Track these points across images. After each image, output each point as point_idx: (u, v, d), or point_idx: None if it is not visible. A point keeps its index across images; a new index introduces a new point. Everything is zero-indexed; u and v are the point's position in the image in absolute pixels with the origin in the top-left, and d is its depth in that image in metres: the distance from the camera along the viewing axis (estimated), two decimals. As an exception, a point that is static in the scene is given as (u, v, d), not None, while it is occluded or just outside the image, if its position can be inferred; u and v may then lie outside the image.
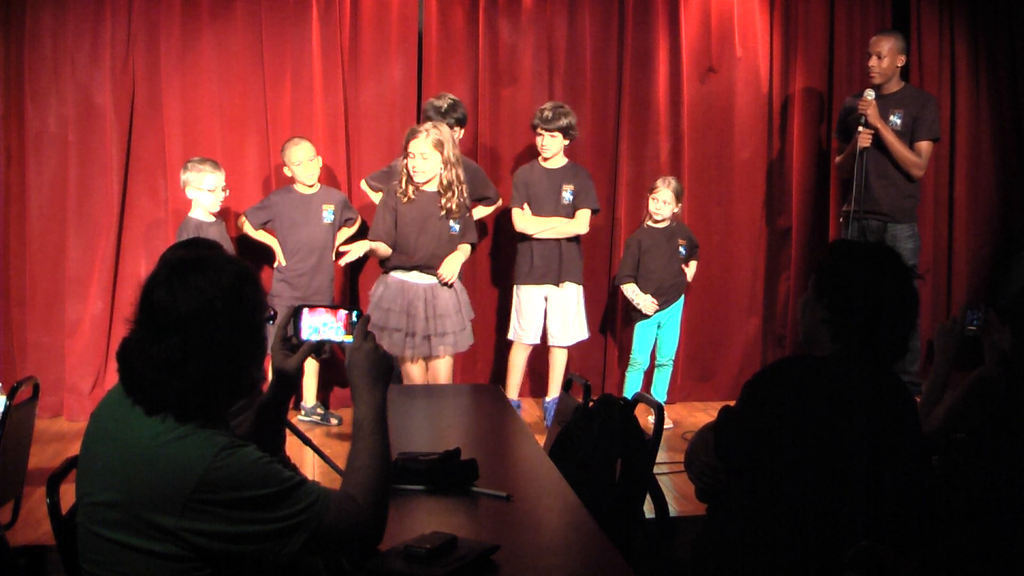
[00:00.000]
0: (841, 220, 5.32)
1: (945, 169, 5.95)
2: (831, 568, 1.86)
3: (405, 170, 4.45)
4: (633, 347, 5.30)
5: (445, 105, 4.95)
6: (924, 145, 5.14)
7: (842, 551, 1.70)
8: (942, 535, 2.31)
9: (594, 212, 5.21)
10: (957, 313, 3.00)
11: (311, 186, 5.13)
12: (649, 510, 2.86)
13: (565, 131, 5.07)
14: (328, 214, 5.17)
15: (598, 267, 5.82)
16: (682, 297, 5.34)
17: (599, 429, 2.75)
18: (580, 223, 5.15)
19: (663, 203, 5.17)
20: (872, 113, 4.98)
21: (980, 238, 6.00)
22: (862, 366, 2.13)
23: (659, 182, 5.25)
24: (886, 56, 5.10)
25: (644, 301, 5.18)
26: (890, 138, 5.04)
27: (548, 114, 5.05)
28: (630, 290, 5.21)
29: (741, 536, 2.12)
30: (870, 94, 5.01)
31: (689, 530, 2.42)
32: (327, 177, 5.44)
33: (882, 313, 2.11)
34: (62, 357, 5.30)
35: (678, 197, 5.22)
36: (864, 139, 4.98)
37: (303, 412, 5.22)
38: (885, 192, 5.12)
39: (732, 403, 2.20)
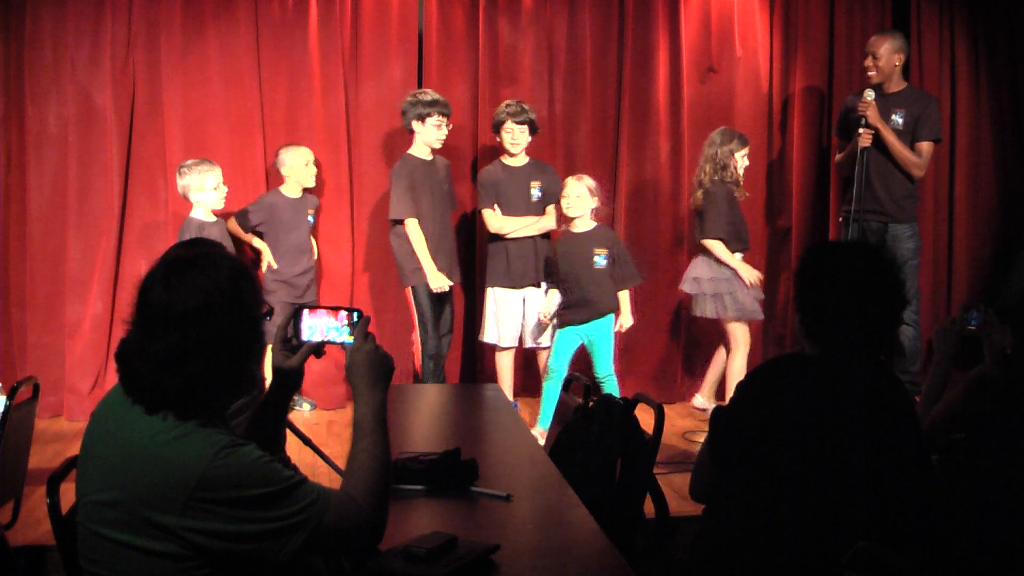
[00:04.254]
0: (841, 220, 5.32)
1: (945, 169, 5.95)
2: (831, 568, 1.86)
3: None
4: (551, 355, 4.96)
5: (438, 98, 5.00)
6: (925, 146, 5.14)
7: (842, 551, 1.70)
8: (942, 535, 2.31)
9: None
10: (956, 313, 3.00)
11: (307, 189, 5.23)
12: (649, 510, 2.86)
13: (532, 125, 5.10)
14: (311, 218, 5.31)
15: (598, 267, 5.81)
16: (611, 315, 4.86)
17: (599, 429, 2.75)
18: (552, 219, 5.14)
19: (574, 198, 4.75)
20: (872, 114, 4.98)
21: (980, 238, 6.00)
22: (851, 361, 2.14)
23: (568, 179, 4.89)
24: (882, 56, 5.10)
25: (546, 308, 4.95)
26: (890, 138, 5.04)
27: (515, 107, 5.06)
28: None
29: (740, 536, 2.12)
30: (870, 94, 5.01)
31: (689, 530, 2.42)
32: (330, 178, 5.48)
33: (854, 306, 2.12)
34: (62, 357, 5.30)
35: (591, 195, 4.77)
36: (864, 139, 4.98)
37: None
38: (886, 192, 5.12)
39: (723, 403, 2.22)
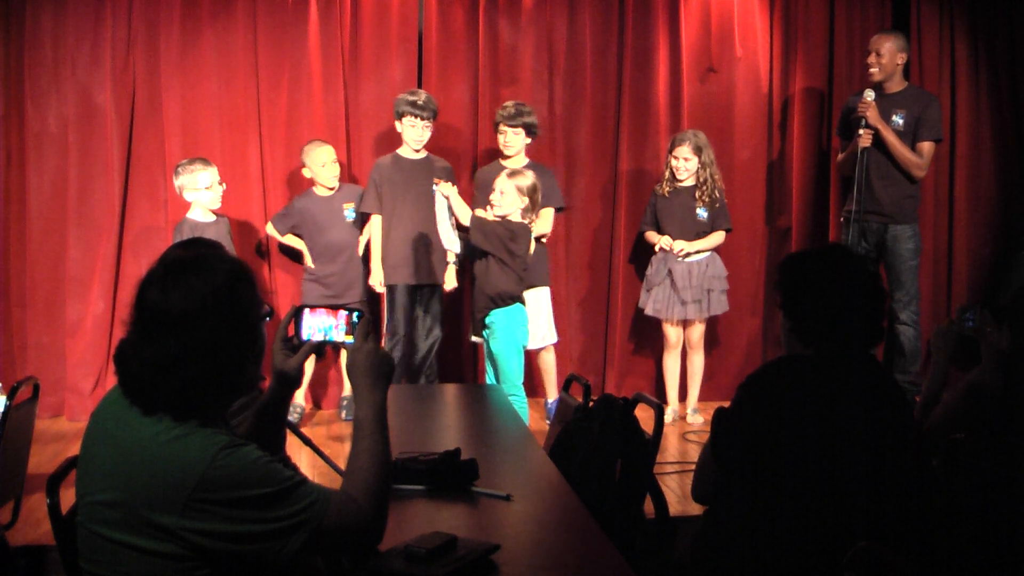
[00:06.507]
0: (842, 220, 5.32)
1: (945, 169, 5.95)
2: (831, 568, 1.87)
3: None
4: None
5: (417, 100, 5.00)
6: (926, 146, 5.14)
7: (842, 551, 1.71)
8: (942, 535, 2.31)
9: (558, 211, 5.20)
10: (954, 314, 3.00)
11: (331, 188, 5.16)
12: (649, 510, 2.86)
13: (528, 128, 5.10)
14: (350, 212, 5.19)
15: (599, 266, 5.81)
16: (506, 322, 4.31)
17: (599, 429, 2.75)
18: (544, 223, 5.09)
19: (497, 194, 4.31)
20: (872, 114, 4.98)
21: (980, 238, 6.00)
22: (848, 360, 2.16)
23: (502, 172, 4.46)
24: (885, 54, 5.11)
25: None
26: (891, 139, 5.04)
27: (511, 110, 5.08)
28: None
29: (741, 536, 2.13)
30: (870, 95, 5.01)
31: (689, 530, 2.42)
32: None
33: (842, 306, 2.18)
34: (63, 357, 5.31)
35: (520, 194, 4.30)
36: (864, 140, 4.98)
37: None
38: (886, 193, 5.12)
39: (727, 404, 2.23)
